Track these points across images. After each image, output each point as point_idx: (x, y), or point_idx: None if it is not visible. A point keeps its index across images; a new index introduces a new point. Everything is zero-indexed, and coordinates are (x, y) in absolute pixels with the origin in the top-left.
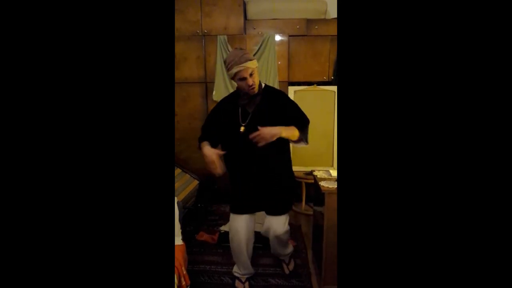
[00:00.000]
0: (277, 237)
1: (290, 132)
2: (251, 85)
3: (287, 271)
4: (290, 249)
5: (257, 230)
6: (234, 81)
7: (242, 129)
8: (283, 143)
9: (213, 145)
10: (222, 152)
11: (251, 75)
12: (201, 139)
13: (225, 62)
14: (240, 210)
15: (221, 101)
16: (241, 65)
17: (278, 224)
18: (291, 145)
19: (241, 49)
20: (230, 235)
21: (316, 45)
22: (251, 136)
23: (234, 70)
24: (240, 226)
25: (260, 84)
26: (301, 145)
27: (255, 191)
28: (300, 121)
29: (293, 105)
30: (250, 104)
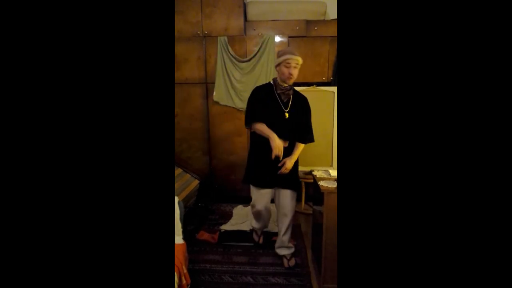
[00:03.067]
0: (284, 211)
1: (299, 153)
2: (291, 74)
3: (286, 265)
4: (291, 245)
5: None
6: (277, 68)
7: (286, 115)
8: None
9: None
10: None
11: (295, 67)
12: (250, 120)
13: (278, 52)
14: (262, 184)
15: (256, 90)
16: (293, 55)
17: (286, 197)
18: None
19: None
20: (252, 205)
21: (316, 46)
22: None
23: (285, 56)
24: (261, 198)
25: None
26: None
27: (277, 170)
28: (307, 136)
29: (308, 115)
30: (285, 95)
